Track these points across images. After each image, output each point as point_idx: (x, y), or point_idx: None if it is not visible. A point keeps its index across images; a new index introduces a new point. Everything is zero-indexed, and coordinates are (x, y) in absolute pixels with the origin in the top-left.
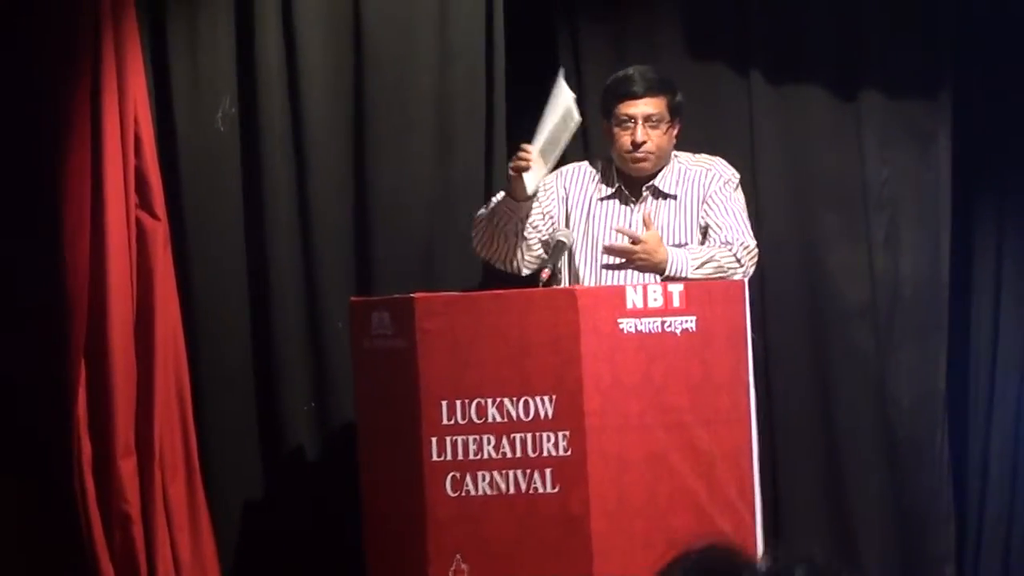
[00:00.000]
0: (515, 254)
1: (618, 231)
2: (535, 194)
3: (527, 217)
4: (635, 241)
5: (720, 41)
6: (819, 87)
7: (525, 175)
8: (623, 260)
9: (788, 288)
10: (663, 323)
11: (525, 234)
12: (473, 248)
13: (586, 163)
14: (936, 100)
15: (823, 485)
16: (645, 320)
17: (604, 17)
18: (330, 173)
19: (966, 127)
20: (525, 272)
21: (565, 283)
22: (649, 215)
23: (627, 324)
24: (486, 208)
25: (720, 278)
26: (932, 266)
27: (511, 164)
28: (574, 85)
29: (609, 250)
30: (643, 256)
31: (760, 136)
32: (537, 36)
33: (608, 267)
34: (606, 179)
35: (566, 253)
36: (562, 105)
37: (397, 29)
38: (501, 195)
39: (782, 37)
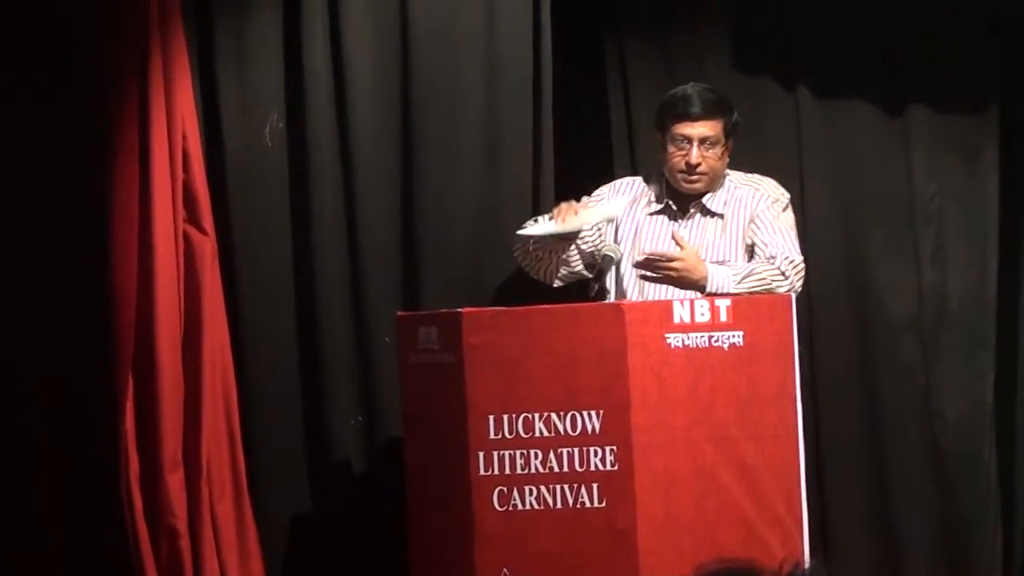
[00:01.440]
0: (557, 271)
1: (651, 255)
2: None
3: (566, 251)
4: (670, 260)
5: (767, 57)
6: (866, 102)
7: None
8: (659, 277)
9: (835, 303)
10: (710, 338)
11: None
12: (513, 257)
13: (639, 178)
14: (984, 115)
15: (870, 499)
16: (692, 335)
17: (651, 31)
18: (378, 186)
19: (1014, 142)
20: (556, 284)
21: (612, 298)
22: (679, 235)
23: (674, 339)
24: (532, 225)
25: (764, 291)
26: (979, 281)
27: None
28: (620, 97)
29: (645, 264)
30: (683, 272)
31: (807, 152)
32: (584, 48)
33: (646, 278)
34: (656, 194)
35: (614, 267)
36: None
37: (444, 41)
38: (537, 222)
39: (829, 53)
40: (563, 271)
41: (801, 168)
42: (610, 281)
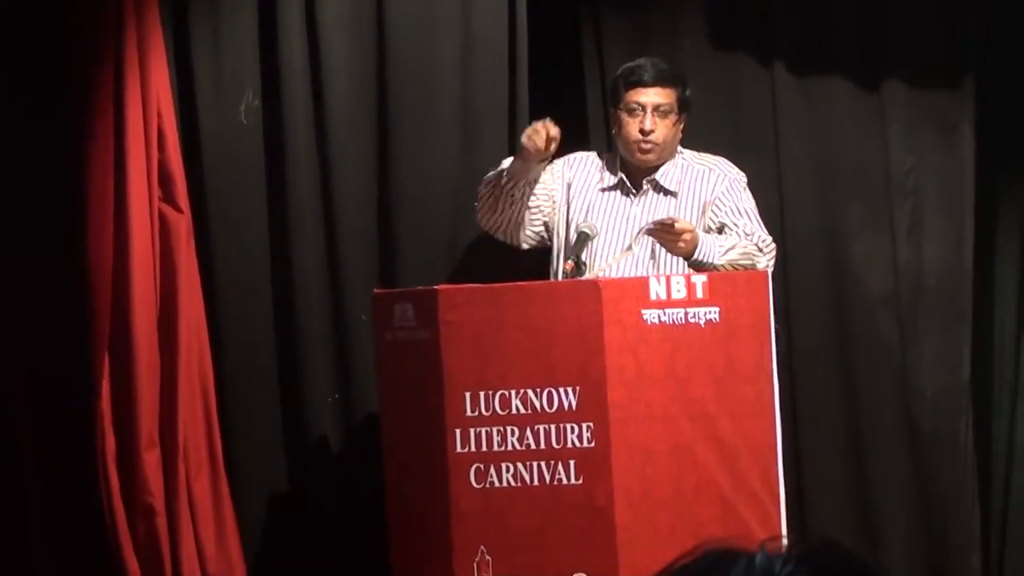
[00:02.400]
0: (519, 225)
1: (671, 221)
2: (548, 157)
3: (536, 180)
4: (684, 230)
5: (743, 32)
6: (842, 77)
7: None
8: (664, 242)
9: (812, 278)
10: (687, 314)
11: (529, 204)
12: (477, 216)
13: (594, 153)
14: (960, 89)
15: (847, 475)
16: (669, 311)
17: (627, 8)
18: (353, 165)
19: (990, 116)
20: (524, 247)
21: (588, 274)
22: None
23: (651, 315)
24: (493, 172)
25: (747, 264)
26: (956, 255)
27: (534, 133)
28: (596, 75)
29: (661, 228)
30: (691, 242)
31: (783, 126)
32: (560, 27)
33: (653, 235)
34: (610, 169)
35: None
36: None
37: (420, 21)
38: (508, 161)
39: (805, 27)
40: (528, 232)
41: (777, 144)
42: (586, 257)
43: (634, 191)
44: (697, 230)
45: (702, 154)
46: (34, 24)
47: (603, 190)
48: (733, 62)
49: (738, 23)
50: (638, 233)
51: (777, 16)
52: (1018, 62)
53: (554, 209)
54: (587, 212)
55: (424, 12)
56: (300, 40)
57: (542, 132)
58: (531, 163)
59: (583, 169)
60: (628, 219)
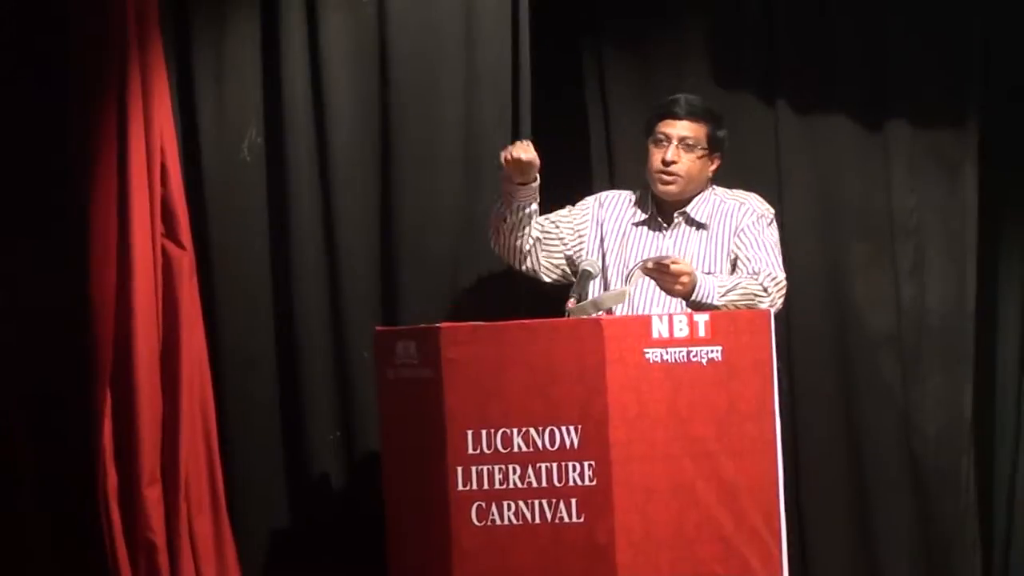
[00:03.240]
0: (525, 253)
1: (664, 259)
2: (534, 180)
3: (530, 201)
4: (681, 271)
5: (747, 70)
6: (846, 116)
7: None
8: (659, 277)
9: (814, 317)
10: (689, 353)
11: (544, 238)
12: (491, 246)
13: (628, 191)
14: (963, 128)
15: (849, 514)
16: (671, 350)
17: (630, 45)
18: (356, 202)
19: (993, 156)
20: (546, 280)
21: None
22: (672, 255)
23: (653, 354)
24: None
25: (746, 305)
26: (958, 294)
27: (505, 152)
28: (599, 113)
29: (656, 268)
30: (689, 284)
31: (787, 165)
32: (563, 63)
33: (649, 275)
34: (642, 204)
35: (592, 282)
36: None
37: (423, 58)
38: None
39: (808, 66)
40: (546, 264)
41: (780, 182)
42: (590, 295)
43: (665, 225)
44: (695, 271)
45: (734, 190)
46: (37, 61)
47: (635, 224)
48: (736, 100)
49: (741, 62)
50: (632, 270)
51: (780, 55)
52: (1020, 102)
53: (580, 244)
54: (620, 247)
55: (428, 50)
56: (303, 76)
57: (512, 151)
58: (510, 182)
59: (615, 206)
60: (660, 252)
